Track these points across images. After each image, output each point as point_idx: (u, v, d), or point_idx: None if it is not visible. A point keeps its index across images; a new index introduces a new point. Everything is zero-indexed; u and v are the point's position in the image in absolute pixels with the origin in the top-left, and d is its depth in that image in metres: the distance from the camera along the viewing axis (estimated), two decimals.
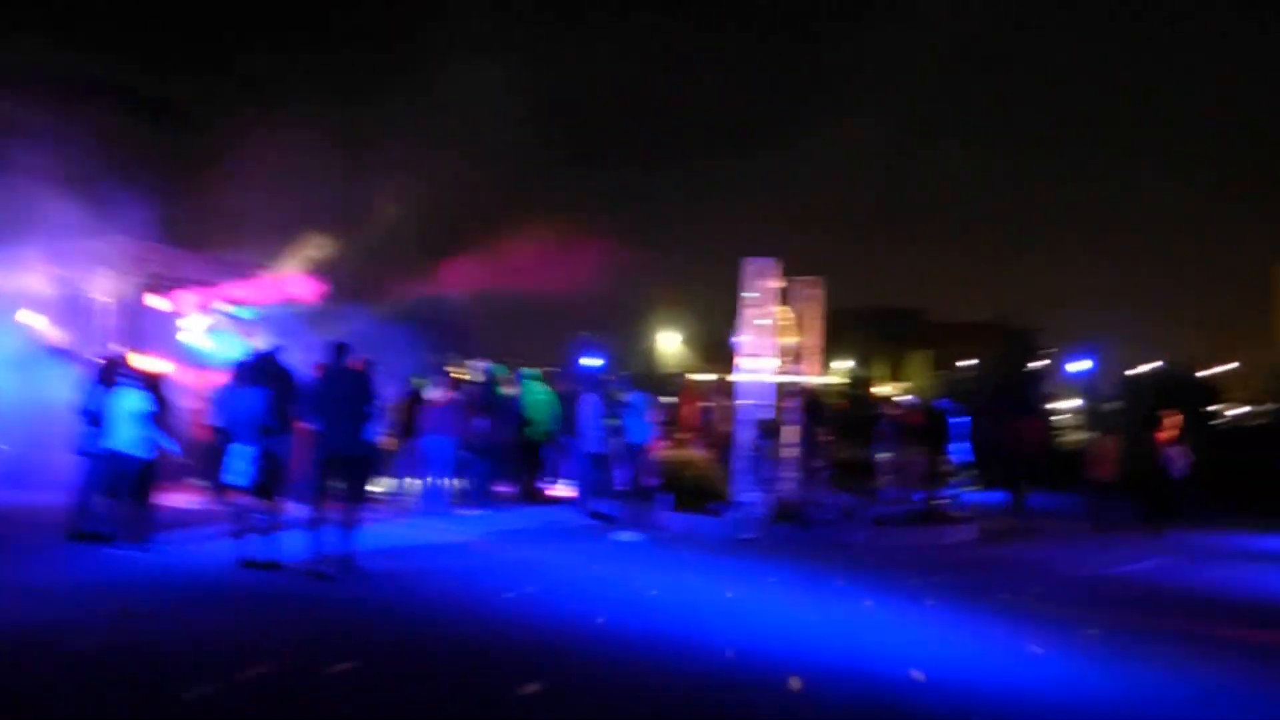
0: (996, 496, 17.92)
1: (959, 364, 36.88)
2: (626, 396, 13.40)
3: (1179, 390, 28.09)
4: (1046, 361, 28.26)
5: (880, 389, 37.03)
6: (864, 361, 39.86)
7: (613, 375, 14.17)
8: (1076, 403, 34.32)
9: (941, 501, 14.15)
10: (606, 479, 13.02)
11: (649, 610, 7.24)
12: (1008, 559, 10.92)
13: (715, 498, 12.91)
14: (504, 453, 13.80)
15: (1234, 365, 34.00)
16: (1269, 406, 27.60)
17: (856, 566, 9.53)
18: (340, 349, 8.66)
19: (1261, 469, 17.80)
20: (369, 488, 9.57)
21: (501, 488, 14.14)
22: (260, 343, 11.56)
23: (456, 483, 13.48)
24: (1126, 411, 26.56)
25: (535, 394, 14.75)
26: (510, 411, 14.10)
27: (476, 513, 12.70)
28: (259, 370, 9.33)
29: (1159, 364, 31.17)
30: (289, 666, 5.48)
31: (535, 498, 14.47)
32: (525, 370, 15.37)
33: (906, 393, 37.36)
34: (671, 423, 16.06)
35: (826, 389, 29.53)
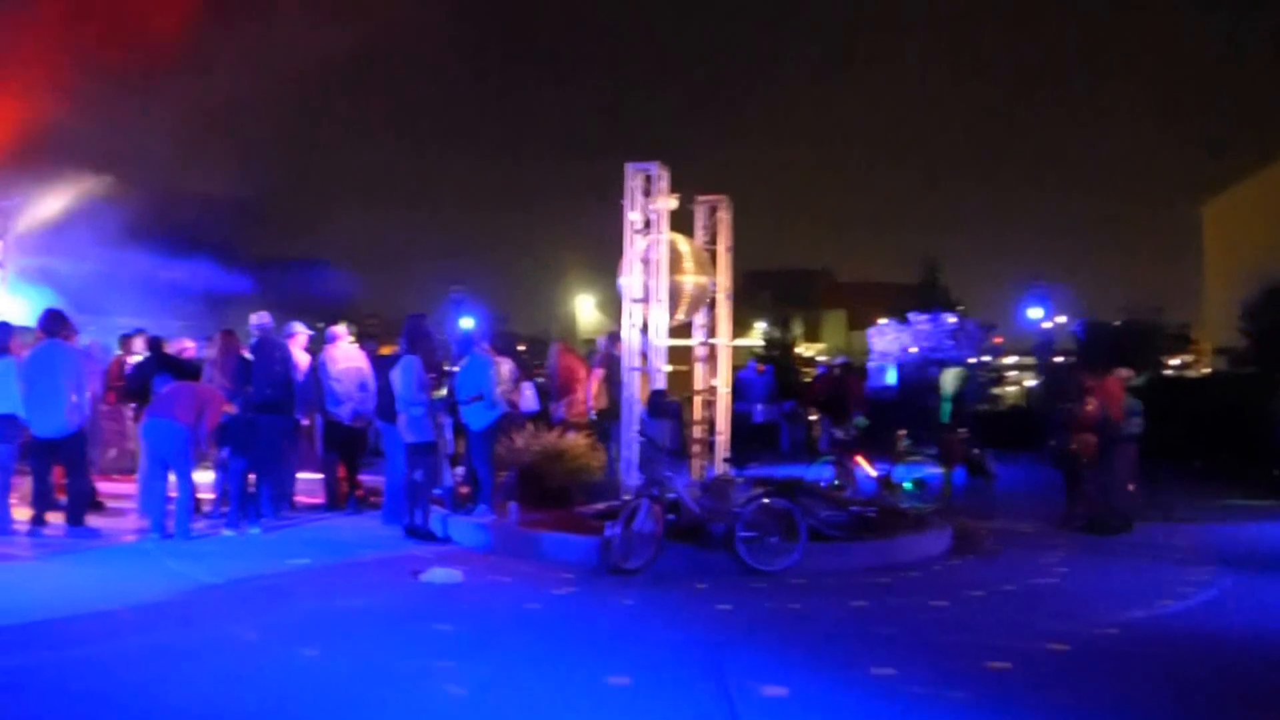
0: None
1: (879, 322, 33.88)
2: (464, 361, 9.51)
3: (1143, 340, 24.72)
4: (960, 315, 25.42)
5: (803, 350, 33.98)
6: (778, 323, 37.17)
7: (450, 332, 10.20)
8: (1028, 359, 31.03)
9: (894, 493, 10.52)
10: (430, 479, 9.09)
11: None
12: (1009, 594, 7.34)
13: (593, 501, 9.27)
14: (282, 443, 9.84)
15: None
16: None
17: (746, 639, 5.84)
18: None
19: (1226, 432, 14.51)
20: None
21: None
22: None
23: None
24: (1080, 366, 23.05)
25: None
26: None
27: (232, 533, 8.92)
28: None
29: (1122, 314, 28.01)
30: None
31: (345, 504, 10.48)
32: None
33: (828, 354, 34.23)
34: (545, 398, 12.25)
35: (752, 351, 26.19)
